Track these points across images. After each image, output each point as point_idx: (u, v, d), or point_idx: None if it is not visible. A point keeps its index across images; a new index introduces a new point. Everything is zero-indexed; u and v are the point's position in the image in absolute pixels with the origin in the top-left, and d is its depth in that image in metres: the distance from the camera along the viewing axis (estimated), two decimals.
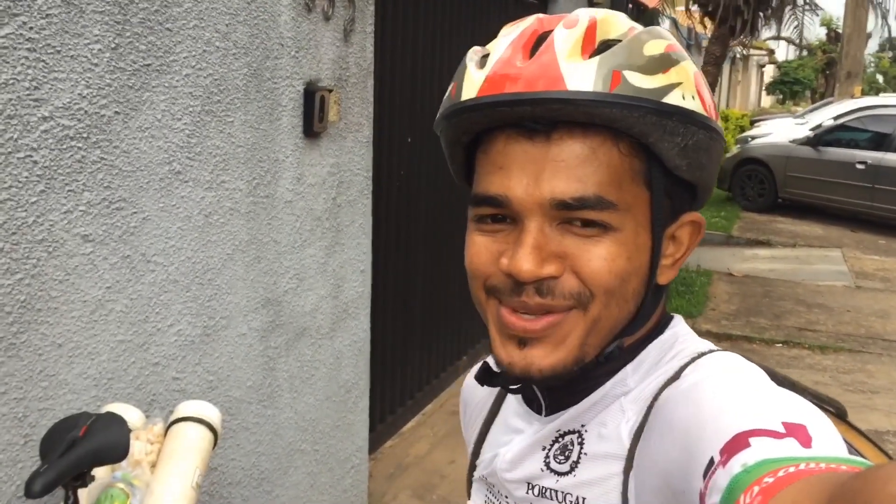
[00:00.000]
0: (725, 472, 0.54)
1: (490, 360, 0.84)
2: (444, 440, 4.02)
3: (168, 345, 2.03)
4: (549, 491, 0.76)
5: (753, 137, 12.74)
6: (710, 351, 0.74)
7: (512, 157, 0.70)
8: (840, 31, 23.10)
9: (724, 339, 5.86)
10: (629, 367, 0.75)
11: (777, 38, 10.37)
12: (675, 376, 0.71)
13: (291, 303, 2.55)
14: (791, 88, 40.08)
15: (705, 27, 8.23)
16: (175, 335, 2.05)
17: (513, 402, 0.87)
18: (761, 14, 6.27)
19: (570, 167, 0.68)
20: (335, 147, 2.70)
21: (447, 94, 0.76)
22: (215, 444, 1.79)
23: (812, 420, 0.57)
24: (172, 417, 1.79)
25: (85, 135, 1.71)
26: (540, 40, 0.71)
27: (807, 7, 7.25)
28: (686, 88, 0.70)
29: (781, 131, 12.62)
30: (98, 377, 1.83)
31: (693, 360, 0.73)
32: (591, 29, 0.70)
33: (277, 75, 2.35)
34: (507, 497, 0.82)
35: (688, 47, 16.81)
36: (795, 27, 7.49)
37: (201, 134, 2.06)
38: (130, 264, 1.88)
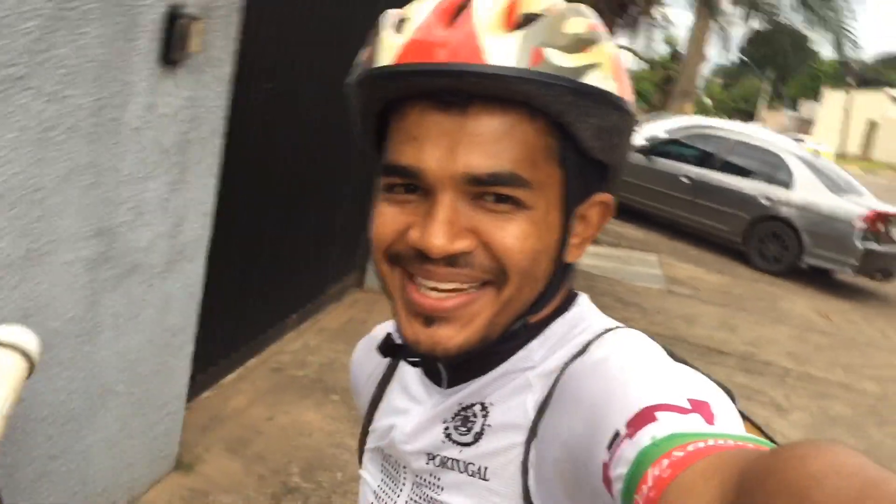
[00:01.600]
0: (633, 445, 0.54)
1: (392, 331, 0.83)
2: (263, 396, 3.95)
3: None
4: (450, 461, 0.75)
5: None
6: (616, 327, 0.75)
7: (426, 129, 0.68)
8: (682, 51, 24.51)
9: None
10: (535, 342, 0.75)
11: (622, 47, 10.81)
12: (582, 351, 0.71)
13: (126, 236, 2.41)
14: None
15: None
16: None
17: (411, 371, 0.85)
18: (619, 20, 6.53)
19: (485, 142, 0.67)
20: (192, 79, 2.56)
21: (360, 58, 0.73)
22: (30, 373, 1.66)
23: (714, 398, 0.58)
24: None
25: None
26: (461, 8, 0.68)
27: (661, 24, 7.62)
28: (605, 69, 0.69)
29: None
30: None
31: (599, 335, 0.73)
32: (514, 1, 0.68)
33: None
34: (405, 468, 0.81)
35: None
36: (647, 40, 7.86)
37: (49, 41, 1.89)
38: None
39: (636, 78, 41.41)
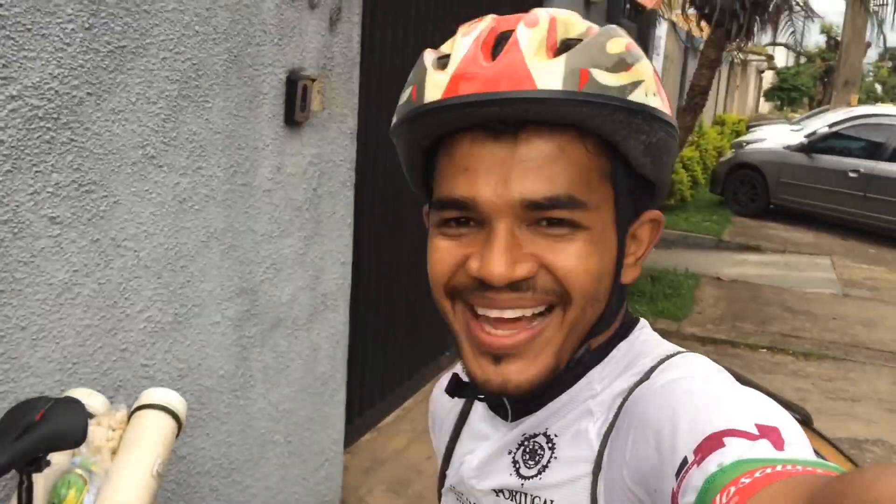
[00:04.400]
0: (700, 472, 0.53)
1: (459, 372, 0.83)
2: (422, 435, 4.00)
3: (137, 331, 2.01)
4: (518, 494, 0.75)
5: (748, 142, 12.73)
6: (678, 353, 0.74)
7: (478, 159, 0.69)
8: (839, 39, 23.11)
9: (708, 343, 5.86)
10: (595, 369, 0.75)
11: (774, 43, 10.33)
12: (645, 377, 0.71)
13: (268, 293, 2.53)
14: (789, 95, 40.17)
15: (701, 30, 8.19)
16: (144, 321, 2.03)
17: (480, 409, 0.86)
18: (757, 18, 6.25)
19: (539, 167, 0.67)
20: (317, 137, 2.67)
21: (405, 98, 0.74)
22: (178, 432, 1.77)
23: (784, 423, 0.57)
24: (136, 405, 1.76)
25: (55, 115, 1.69)
26: (500, 39, 0.69)
27: (804, 14, 7.23)
28: (648, 86, 0.69)
29: (776, 137, 12.62)
30: (63, 361, 1.81)
31: (662, 361, 0.72)
32: (553, 28, 0.69)
33: (259, 62, 2.32)
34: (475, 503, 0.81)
35: (685, 50, 16.80)
36: (792, 33, 7.47)
37: (177, 119, 2.03)
38: (99, 248, 1.86)
39: (793, 73, 39.40)
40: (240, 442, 2.51)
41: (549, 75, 0.65)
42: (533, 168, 0.67)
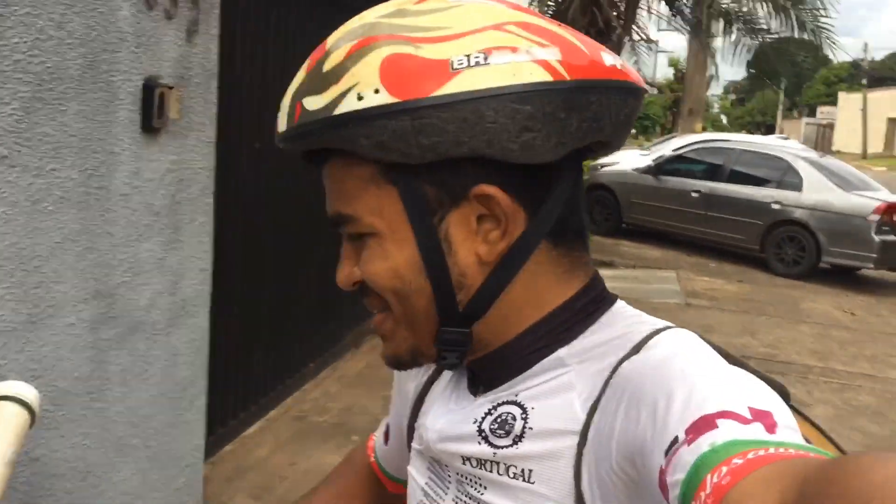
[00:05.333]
0: (691, 451, 0.53)
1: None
2: (286, 445, 4.06)
3: None
4: (488, 462, 0.75)
5: (603, 165, 13.45)
6: (667, 327, 0.73)
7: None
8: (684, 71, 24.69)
9: None
10: (566, 347, 0.74)
11: None
12: (634, 350, 0.70)
13: (125, 296, 2.56)
14: (641, 123, 42.31)
15: None
16: None
17: (446, 379, 0.88)
18: (605, 44, 6.68)
19: (329, 191, 0.75)
20: (175, 144, 2.73)
21: None
22: (33, 423, 1.79)
23: (777, 408, 0.57)
24: None
25: None
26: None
27: (645, 45, 7.77)
28: (363, 86, 0.67)
29: (628, 161, 13.40)
30: None
31: (651, 335, 0.71)
32: (315, 59, 0.72)
33: (115, 69, 2.37)
34: (447, 466, 0.81)
35: None
36: (635, 62, 8.00)
37: (31, 120, 2.06)
38: None
39: (645, 104, 41.58)
40: (96, 445, 2.51)
41: (281, 117, 0.74)
42: (327, 191, 0.76)
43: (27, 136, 2.06)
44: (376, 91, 0.67)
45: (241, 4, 3.35)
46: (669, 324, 0.75)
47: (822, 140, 46.64)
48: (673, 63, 37.64)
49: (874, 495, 0.38)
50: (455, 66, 0.66)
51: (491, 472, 0.74)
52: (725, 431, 0.53)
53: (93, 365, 2.44)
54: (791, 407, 0.67)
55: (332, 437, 4.20)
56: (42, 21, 2.06)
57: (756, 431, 0.53)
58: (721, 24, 10.91)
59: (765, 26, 11.13)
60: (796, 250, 10.05)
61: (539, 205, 0.72)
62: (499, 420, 0.75)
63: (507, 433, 0.73)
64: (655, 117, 41.06)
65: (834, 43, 12.35)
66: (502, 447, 0.73)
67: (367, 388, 4.88)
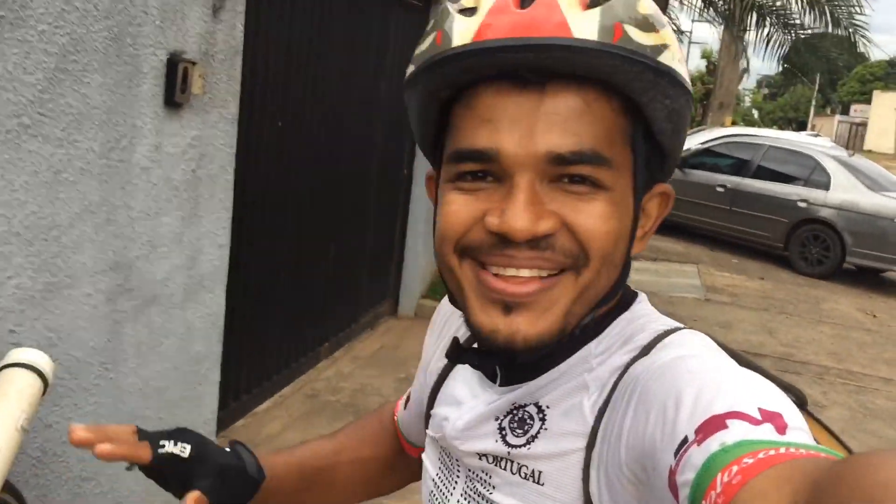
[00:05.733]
0: (701, 451, 0.53)
1: (459, 335, 0.84)
2: (296, 421, 4.09)
3: (6, 297, 2.04)
4: (502, 461, 0.75)
5: None
6: (677, 328, 0.73)
7: (502, 110, 0.67)
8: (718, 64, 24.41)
9: None
10: (592, 344, 0.74)
11: None
12: (643, 352, 0.70)
13: (143, 269, 2.58)
14: None
15: None
16: (14, 288, 2.06)
17: (461, 373, 0.86)
18: None
19: (565, 120, 0.66)
20: (198, 120, 2.75)
21: (427, 44, 0.71)
22: (45, 391, 1.82)
23: (786, 408, 0.57)
24: (2, 363, 1.81)
25: None
26: None
27: (678, 35, 7.69)
28: (674, 52, 0.68)
29: None
30: None
31: (661, 336, 0.71)
32: None
33: (140, 42, 2.38)
34: (457, 461, 0.81)
35: None
36: None
37: (54, 91, 2.08)
38: None
39: None
40: (109, 415, 2.55)
41: (585, 26, 0.64)
42: (559, 121, 0.66)
43: (50, 107, 2.07)
44: (680, 62, 0.69)
45: None
46: (680, 325, 0.74)
47: (854, 138, 45.95)
48: (706, 55, 37.16)
49: (883, 493, 0.38)
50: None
51: (504, 469, 0.74)
52: (736, 431, 0.53)
53: (108, 336, 2.47)
54: (801, 408, 0.66)
55: (343, 416, 4.23)
56: None
57: (766, 432, 0.53)
58: (754, 17, 10.73)
59: (798, 21, 10.96)
60: (821, 249, 9.93)
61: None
62: (518, 419, 0.74)
63: (525, 433, 0.73)
64: None
65: (868, 41, 12.16)
66: (517, 446, 0.73)
67: (380, 369, 4.90)
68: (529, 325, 0.68)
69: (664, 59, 0.66)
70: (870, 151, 38.14)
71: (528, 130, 0.66)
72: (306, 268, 4.38)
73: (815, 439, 0.57)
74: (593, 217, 0.67)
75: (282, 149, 3.88)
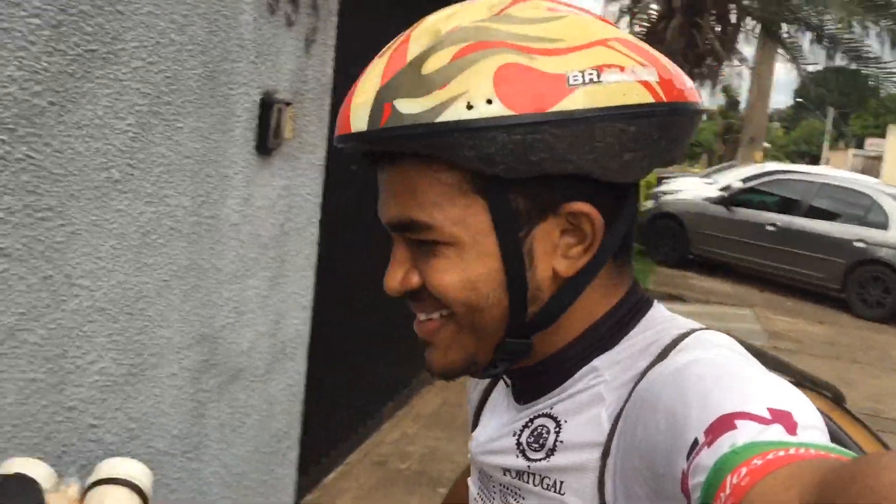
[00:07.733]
0: (711, 452, 0.53)
1: None
2: (370, 494, 3.71)
3: (87, 386, 1.69)
4: (526, 474, 0.76)
5: (664, 193, 12.97)
6: (692, 330, 0.72)
7: (379, 184, 0.74)
8: (738, 98, 24.18)
9: None
10: (605, 356, 0.74)
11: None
12: (660, 357, 0.70)
13: (228, 339, 2.23)
14: (691, 149, 41.79)
15: None
16: (96, 374, 1.72)
17: (502, 387, 0.88)
18: (697, 72, 6.31)
19: (394, 193, 0.71)
20: (287, 167, 2.42)
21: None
22: None
23: (797, 407, 0.56)
24: (92, 478, 1.45)
25: (12, 126, 1.39)
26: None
27: (738, 64, 7.39)
28: (474, 95, 0.65)
29: (692, 189, 12.90)
30: (0, 423, 1.49)
31: (677, 340, 0.71)
32: (399, 51, 0.69)
33: (234, 80, 2.06)
34: (490, 477, 0.82)
35: None
36: (725, 86, 7.64)
37: (146, 138, 1.75)
38: (51, 286, 1.55)
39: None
40: None
41: (360, 114, 0.68)
42: (391, 194, 0.72)
43: (140, 157, 1.75)
44: (489, 101, 0.65)
45: (355, 14, 3.02)
46: (695, 326, 0.73)
47: (869, 173, 45.58)
48: (726, 89, 37.11)
49: (893, 494, 0.38)
50: (571, 81, 0.66)
51: (528, 482, 0.75)
52: (745, 433, 0.53)
53: (192, 420, 2.12)
54: (837, 403, 0.73)
55: (417, 487, 3.85)
56: (164, 22, 1.75)
57: (776, 432, 0.53)
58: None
59: (810, 55, 10.64)
60: (880, 291, 9.51)
61: (613, 221, 0.72)
62: (534, 433, 0.76)
63: (542, 446, 0.74)
64: (706, 144, 40.42)
65: (878, 76, 11.81)
66: (536, 460, 0.74)
67: (444, 429, 4.53)
68: (438, 359, 0.75)
69: (447, 115, 0.65)
70: None
71: (383, 202, 0.73)
72: (379, 325, 4.02)
73: (846, 434, 0.67)
74: (438, 272, 0.71)
75: (360, 194, 3.54)
